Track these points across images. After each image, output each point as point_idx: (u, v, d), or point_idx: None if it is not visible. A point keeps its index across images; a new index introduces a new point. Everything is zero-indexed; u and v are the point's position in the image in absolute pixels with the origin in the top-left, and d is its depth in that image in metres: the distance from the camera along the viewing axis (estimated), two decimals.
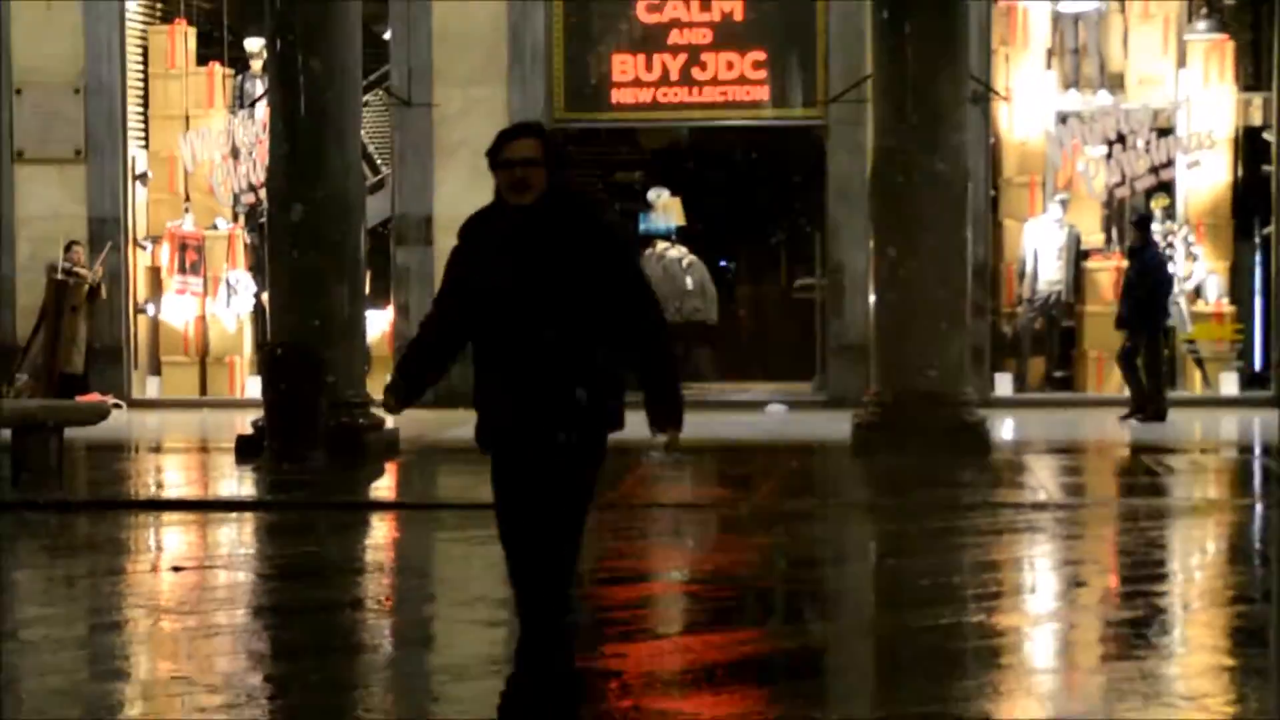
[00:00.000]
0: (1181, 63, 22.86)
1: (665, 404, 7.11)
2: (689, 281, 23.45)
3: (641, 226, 23.79)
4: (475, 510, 14.15)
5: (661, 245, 23.59)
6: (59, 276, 21.99)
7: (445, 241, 21.85)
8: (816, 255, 22.97)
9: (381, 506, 14.98)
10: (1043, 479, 15.71)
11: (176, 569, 11.99)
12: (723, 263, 25.10)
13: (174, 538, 13.65)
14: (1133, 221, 20.93)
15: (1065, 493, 15.15)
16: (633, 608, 10.09)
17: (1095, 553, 12.85)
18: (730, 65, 22.50)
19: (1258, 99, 22.91)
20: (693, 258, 23.62)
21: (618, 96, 22.68)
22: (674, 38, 22.53)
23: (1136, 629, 9.69)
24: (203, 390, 23.27)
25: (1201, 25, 23.15)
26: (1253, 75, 23.28)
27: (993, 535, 12.88)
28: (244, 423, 17.59)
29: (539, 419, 6.93)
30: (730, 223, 25.18)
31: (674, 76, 22.56)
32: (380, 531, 14.04)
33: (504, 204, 7.02)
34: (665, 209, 23.78)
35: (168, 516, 14.26)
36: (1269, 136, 22.57)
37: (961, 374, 17.24)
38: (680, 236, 23.94)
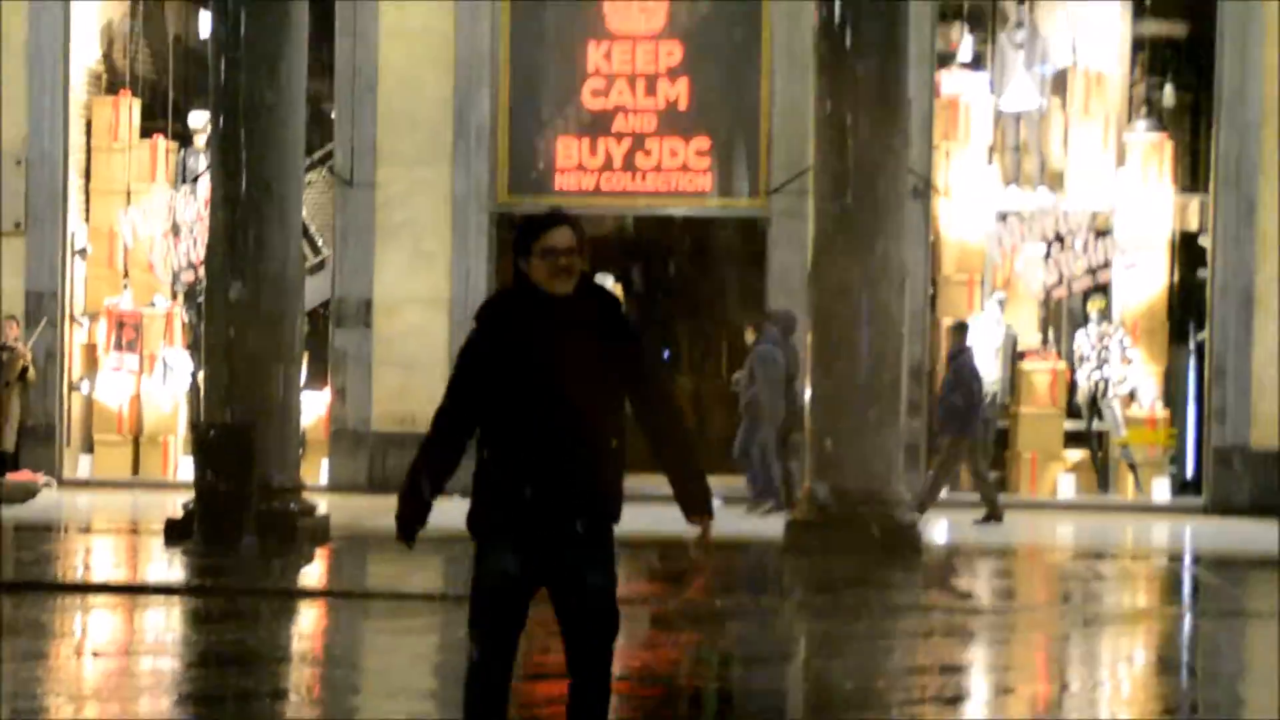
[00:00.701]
0: (1121, 162, 23.02)
1: (698, 490, 7.10)
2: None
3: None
4: (404, 600, 14.10)
5: None
6: None
7: (385, 324, 22.05)
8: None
9: (310, 594, 14.87)
10: (973, 582, 15.72)
11: (96, 655, 11.88)
12: (665, 353, 25.10)
13: (99, 622, 13.52)
14: (951, 327, 20.99)
15: (995, 596, 15.15)
16: (557, 703, 10.01)
17: (1023, 659, 12.84)
18: (674, 153, 22.57)
19: (1195, 201, 23.06)
20: None
21: (561, 182, 22.71)
22: (619, 124, 22.60)
23: None
24: (135, 470, 23.06)
25: (1141, 126, 23.35)
26: (1191, 177, 23.46)
27: (921, 638, 12.87)
28: (175, 505, 17.47)
29: (568, 505, 6.88)
30: (672, 312, 25.21)
31: (618, 163, 22.62)
32: (308, 619, 13.95)
33: (534, 291, 6.91)
34: None
35: (94, 600, 14.13)
36: (1205, 241, 22.72)
37: (895, 473, 17.25)
38: None
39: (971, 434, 20.19)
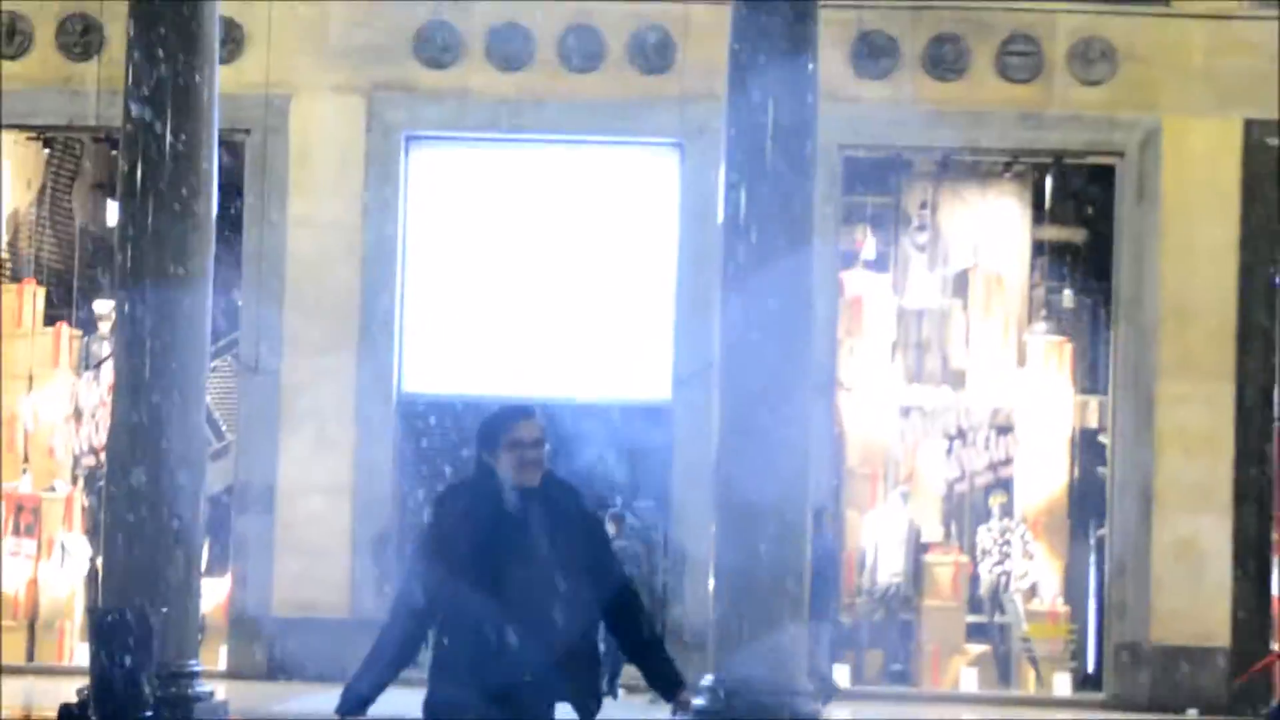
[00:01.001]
0: (1021, 362, 23.32)
1: (671, 670, 7.28)
2: None
3: None
4: None
5: None
6: None
7: (287, 510, 21.93)
8: (663, 541, 22.98)
9: None
10: None
11: None
12: None
13: None
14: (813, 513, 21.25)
15: None
16: None
17: None
18: (581, 345, 22.67)
19: (1094, 401, 23.38)
20: None
21: (466, 372, 22.75)
22: (525, 316, 22.70)
23: None
24: (30, 656, 22.72)
25: (1041, 327, 23.70)
26: (1090, 377, 23.78)
27: None
28: (70, 691, 17.15)
29: (545, 696, 7.01)
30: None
31: (524, 354, 22.69)
32: None
33: (500, 483, 7.02)
34: None
35: None
36: (1104, 439, 22.98)
37: (797, 664, 17.19)
38: None
39: None
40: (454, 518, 7.03)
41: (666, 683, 7.21)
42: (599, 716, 7.19)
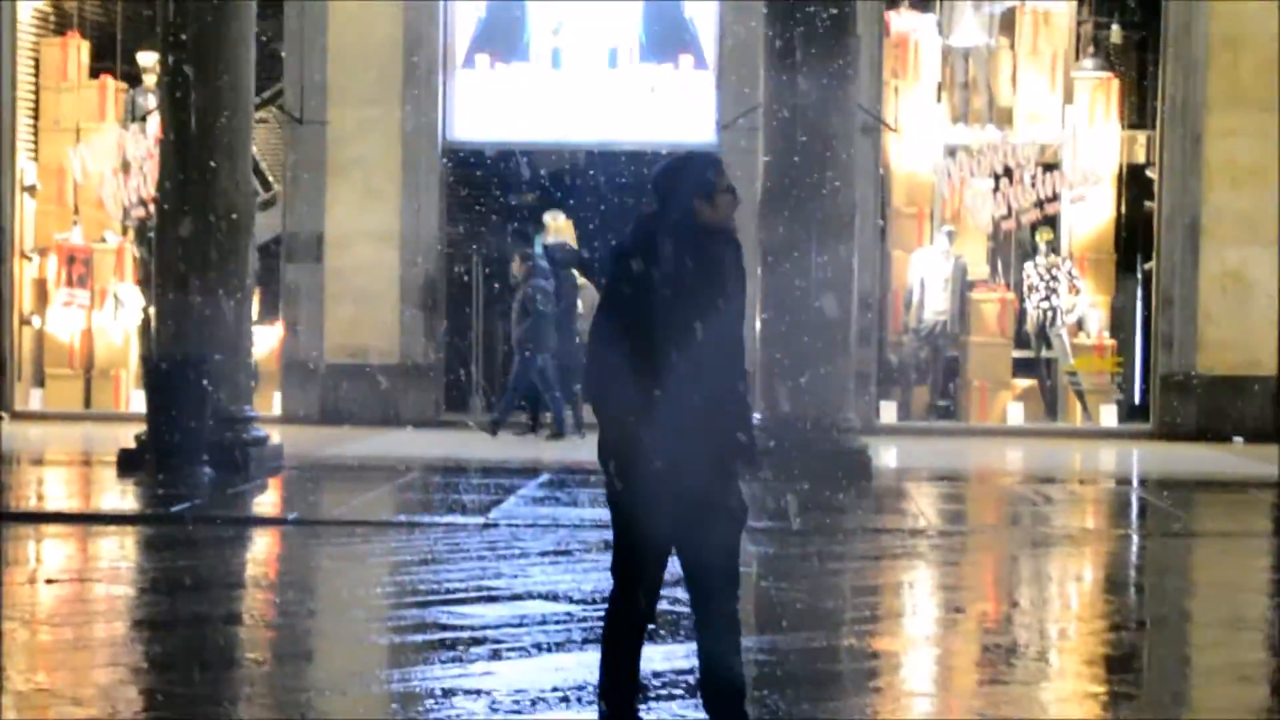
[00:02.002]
0: (1069, 99, 23.16)
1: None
2: (581, 305, 23.51)
3: (536, 249, 23.84)
4: (357, 526, 14.18)
5: None
6: None
7: (336, 259, 22.07)
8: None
9: (264, 522, 14.92)
10: (923, 506, 15.86)
11: (50, 582, 11.93)
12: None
13: (53, 551, 13.55)
14: (545, 245, 21.27)
15: (945, 520, 15.30)
16: (508, 627, 10.12)
17: (973, 579, 12.98)
18: (626, 90, 22.60)
19: (1142, 137, 23.26)
20: (585, 282, 23.68)
21: (514, 120, 22.73)
22: (570, 62, 22.61)
23: (1011, 655, 9.82)
24: (87, 404, 23.09)
25: (1088, 64, 23.49)
26: (1137, 113, 23.62)
27: (870, 560, 13.00)
28: (127, 436, 17.49)
29: (696, 446, 6.98)
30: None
31: (570, 100, 22.64)
32: (261, 546, 14.01)
33: (702, 224, 7.09)
34: (559, 232, 23.81)
35: (47, 529, 14.16)
36: (1151, 174, 22.91)
37: (845, 400, 17.39)
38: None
39: (549, 353, 20.80)
40: (646, 252, 7.03)
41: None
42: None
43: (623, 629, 7.22)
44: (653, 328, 6.89)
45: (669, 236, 7.03)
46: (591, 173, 24.08)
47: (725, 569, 7.12)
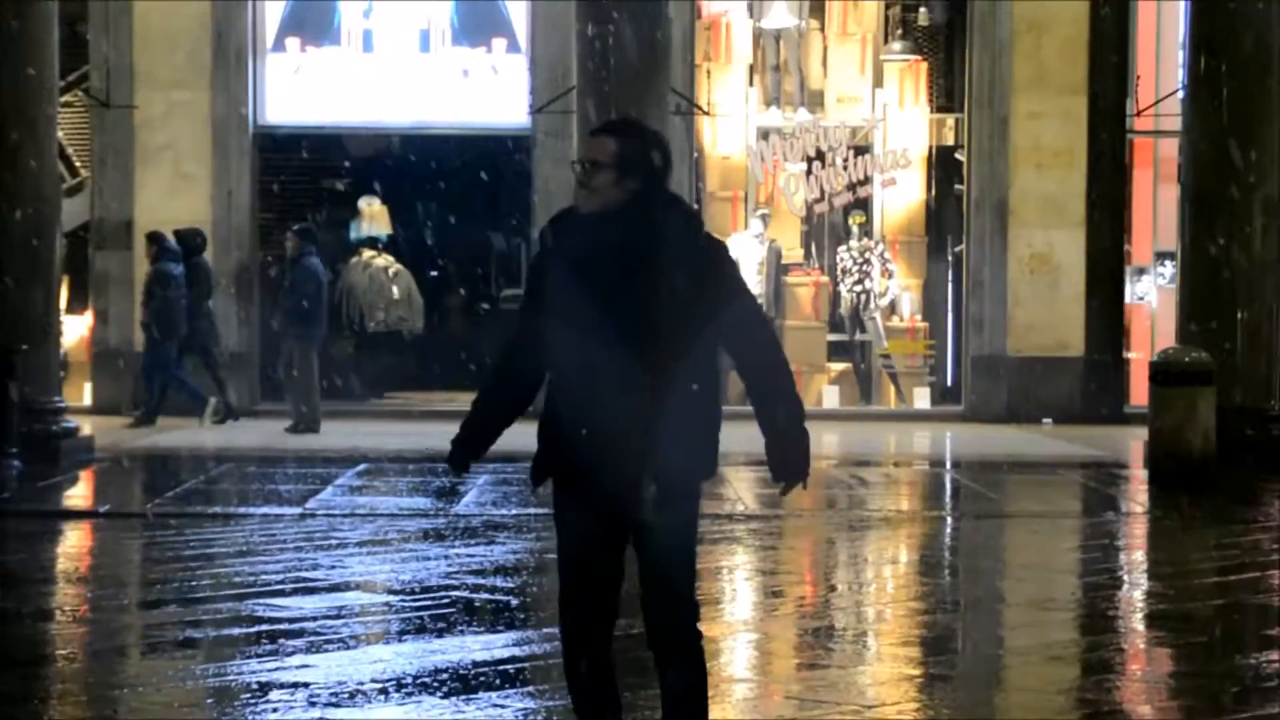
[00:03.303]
0: (879, 83, 23.39)
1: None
2: (395, 291, 23.39)
3: (350, 235, 23.68)
4: (172, 518, 14.01)
5: (368, 254, 23.50)
6: None
7: (144, 247, 21.71)
8: (524, 265, 23.05)
9: (74, 515, 14.69)
10: (739, 490, 15.94)
11: None
12: (432, 272, 25.03)
13: None
14: (293, 231, 20.81)
15: (761, 504, 15.37)
16: (325, 618, 10.05)
17: (790, 563, 13.08)
18: (440, 72, 22.50)
19: (950, 119, 23.56)
20: (399, 266, 23.56)
21: (326, 102, 22.55)
22: (382, 43, 22.47)
23: (829, 638, 9.90)
24: None
25: (897, 47, 23.76)
26: (946, 96, 23.91)
27: None
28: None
29: (626, 460, 6.04)
30: (438, 231, 25.14)
31: (383, 83, 22.50)
32: (72, 540, 13.79)
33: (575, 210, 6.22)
34: (373, 217, 23.68)
35: None
36: (960, 157, 23.21)
37: None
38: (387, 245, 23.86)
39: (315, 339, 20.32)
40: (544, 252, 6.26)
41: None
42: None
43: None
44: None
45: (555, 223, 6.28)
46: (407, 156, 23.97)
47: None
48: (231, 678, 8.63)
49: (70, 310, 20.90)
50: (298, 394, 20.28)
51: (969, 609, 11.19)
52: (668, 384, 6.02)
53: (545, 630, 10.12)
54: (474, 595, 11.05)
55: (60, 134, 19.40)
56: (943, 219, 23.84)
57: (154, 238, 20.61)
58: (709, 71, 23.20)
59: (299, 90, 22.54)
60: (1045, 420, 21.91)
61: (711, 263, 6.12)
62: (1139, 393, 20.82)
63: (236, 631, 9.85)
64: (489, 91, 22.54)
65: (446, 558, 12.35)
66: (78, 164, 23.40)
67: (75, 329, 21.83)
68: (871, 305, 22.96)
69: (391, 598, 10.92)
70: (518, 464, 17.28)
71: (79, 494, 16.13)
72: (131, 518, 14.29)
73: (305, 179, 24.08)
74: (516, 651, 9.35)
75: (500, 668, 8.82)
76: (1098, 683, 8.87)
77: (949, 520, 15.09)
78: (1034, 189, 22.43)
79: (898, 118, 23.20)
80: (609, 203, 6.09)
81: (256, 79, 22.44)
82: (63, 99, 19.81)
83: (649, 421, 6.00)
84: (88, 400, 21.81)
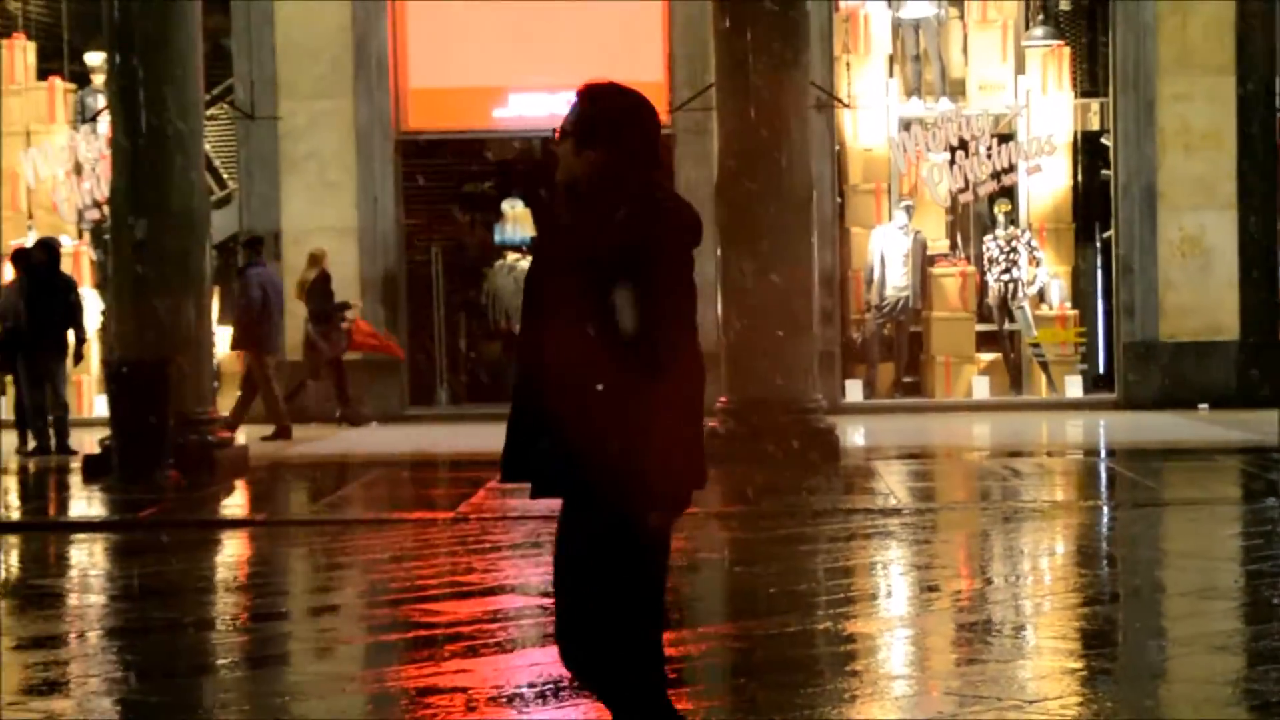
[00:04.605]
0: (1020, 69, 23.17)
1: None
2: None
3: (495, 238, 23.78)
4: (326, 525, 14.11)
5: (513, 256, 23.58)
6: None
7: (294, 255, 21.92)
8: None
9: (231, 524, 14.84)
10: (892, 484, 15.85)
11: (20, 592, 11.85)
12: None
13: (21, 559, 13.46)
14: (242, 242, 20.70)
15: (914, 498, 15.28)
16: (481, 622, 10.08)
17: (945, 557, 12.97)
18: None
19: (1095, 104, 23.31)
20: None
21: (466, 107, 22.65)
22: (520, 47, 22.52)
23: (987, 632, 9.81)
24: None
25: (1039, 32, 23.52)
26: (1089, 80, 23.65)
27: (842, 541, 12.97)
28: (92, 441, 17.38)
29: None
30: None
31: (522, 86, 22.56)
32: (230, 549, 13.93)
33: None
34: (517, 220, 23.76)
35: (13, 539, 14.06)
36: (1106, 141, 22.94)
37: (810, 381, 17.36)
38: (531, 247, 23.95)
39: (270, 348, 20.05)
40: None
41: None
42: None
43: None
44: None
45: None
46: (548, 159, 24.01)
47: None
48: (390, 683, 8.68)
49: (222, 321, 21.09)
50: (267, 404, 20.08)
51: (1128, 600, 11.04)
52: (567, 378, 5.34)
53: (700, 629, 10.11)
54: None
55: (207, 146, 19.61)
56: (1090, 204, 23.57)
57: (250, 244, 20.67)
58: (848, 64, 23.09)
59: (440, 98, 22.63)
60: (1201, 405, 21.59)
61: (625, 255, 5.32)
62: None
63: (394, 637, 9.90)
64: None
65: None
66: (225, 175, 23.67)
67: (226, 340, 22.02)
68: (1020, 294, 22.73)
69: (546, 601, 10.92)
70: None
71: (235, 503, 16.28)
72: (287, 525, 14.41)
73: (449, 183, 24.23)
74: (671, 652, 9.31)
75: None
76: (1265, 673, 8.71)
77: (1105, 510, 14.90)
78: (1183, 171, 22.12)
79: (1041, 104, 22.97)
80: (572, 176, 5.43)
81: (397, 87, 22.57)
82: (208, 112, 20.02)
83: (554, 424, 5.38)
84: None
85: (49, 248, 19.68)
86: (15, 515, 15.55)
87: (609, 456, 5.29)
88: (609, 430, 5.27)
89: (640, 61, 22.46)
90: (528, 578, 11.78)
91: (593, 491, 5.38)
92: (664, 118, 21.99)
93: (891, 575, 12.16)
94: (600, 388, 5.26)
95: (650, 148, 5.49)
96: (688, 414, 5.37)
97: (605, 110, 5.44)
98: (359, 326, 21.52)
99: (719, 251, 17.75)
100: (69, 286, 19.55)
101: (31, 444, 19.43)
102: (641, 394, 5.25)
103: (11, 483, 18.15)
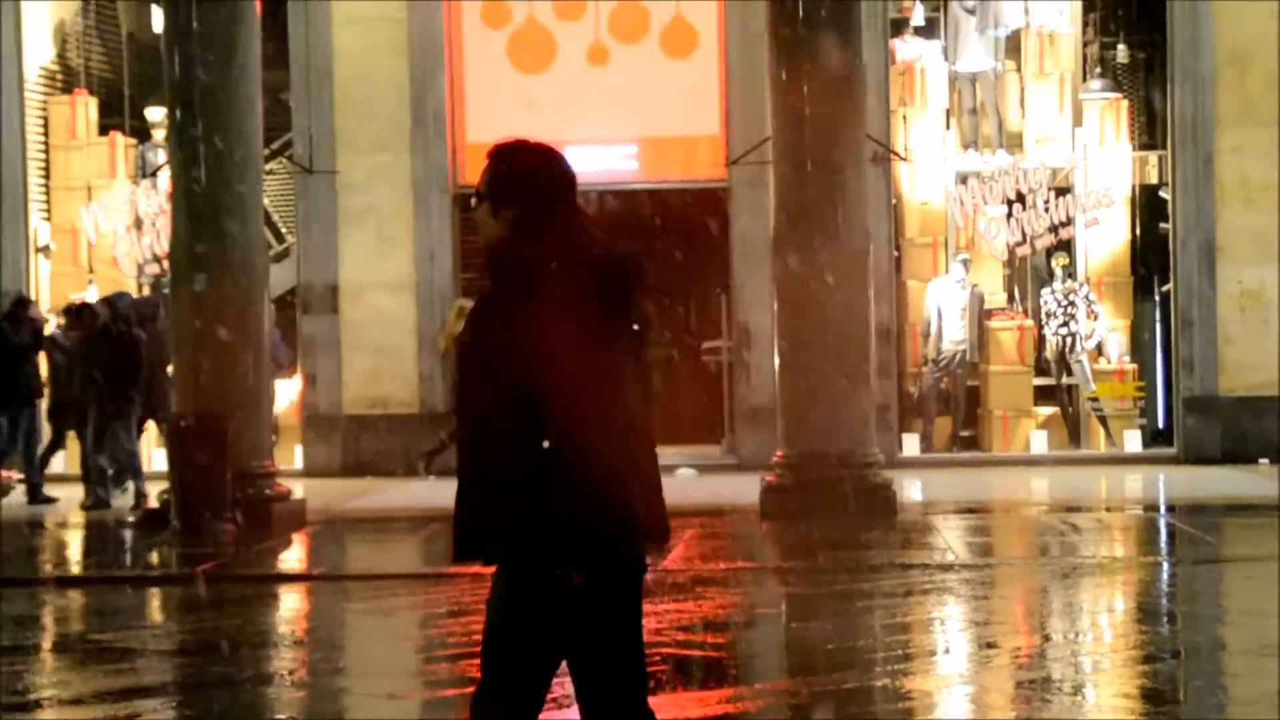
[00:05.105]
0: (1078, 121, 23.14)
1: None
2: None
3: None
4: (384, 580, 14.12)
5: None
6: None
7: (351, 310, 22.02)
8: (723, 317, 23.07)
9: (289, 578, 14.87)
10: (950, 539, 15.78)
11: (77, 646, 11.89)
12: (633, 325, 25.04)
13: (79, 613, 13.51)
14: (102, 300, 20.03)
15: (972, 553, 15.22)
16: None
17: (1003, 613, 12.90)
18: (633, 128, 22.62)
19: (1153, 157, 23.24)
20: None
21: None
22: (574, 100, 22.61)
23: (1046, 689, 9.74)
24: None
25: (1096, 85, 23.48)
26: (1148, 133, 23.60)
27: (900, 597, 12.92)
28: (151, 495, 17.45)
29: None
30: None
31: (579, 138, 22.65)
32: (288, 603, 13.95)
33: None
34: None
35: (73, 592, 14.12)
36: (1165, 194, 22.86)
37: (867, 435, 17.32)
38: None
39: (130, 410, 19.39)
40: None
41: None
42: None
43: None
44: None
45: None
46: (604, 211, 24.09)
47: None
48: None
49: (279, 374, 21.18)
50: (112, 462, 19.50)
51: (1189, 657, 10.95)
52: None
53: (757, 686, 10.08)
54: (684, 652, 11.01)
55: (265, 201, 19.73)
56: (1148, 258, 23.48)
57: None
58: (905, 116, 23.09)
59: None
60: (1262, 460, 21.43)
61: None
62: None
63: (451, 693, 9.90)
64: (685, 145, 22.64)
65: (656, 614, 12.32)
66: (283, 229, 23.80)
67: (285, 393, 22.14)
68: (1078, 348, 22.64)
69: None
70: (723, 515, 17.32)
71: (293, 557, 16.31)
72: (344, 580, 14.43)
73: None
74: (730, 709, 9.29)
75: None
76: None
77: (1165, 566, 14.80)
78: (1242, 224, 22.01)
79: (1099, 156, 22.92)
80: (491, 239, 5.37)
81: (454, 141, 22.67)
82: (267, 166, 20.15)
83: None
84: (299, 463, 22.08)
85: (112, 305, 19.65)
86: (75, 569, 15.61)
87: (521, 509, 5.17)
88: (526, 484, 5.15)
89: (697, 115, 22.58)
90: None
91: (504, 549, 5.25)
92: (721, 171, 22.11)
93: (950, 631, 12.10)
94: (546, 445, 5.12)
95: (569, 196, 5.38)
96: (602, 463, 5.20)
97: (515, 167, 5.39)
98: None
99: (775, 305, 17.75)
100: (134, 343, 19.47)
101: (89, 499, 19.46)
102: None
103: (73, 536, 18.23)
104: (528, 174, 5.37)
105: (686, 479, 21.42)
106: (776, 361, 17.53)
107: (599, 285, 5.26)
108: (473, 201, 5.42)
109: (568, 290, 5.21)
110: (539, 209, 5.33)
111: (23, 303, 20.22)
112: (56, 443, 20.76)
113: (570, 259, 5.27)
